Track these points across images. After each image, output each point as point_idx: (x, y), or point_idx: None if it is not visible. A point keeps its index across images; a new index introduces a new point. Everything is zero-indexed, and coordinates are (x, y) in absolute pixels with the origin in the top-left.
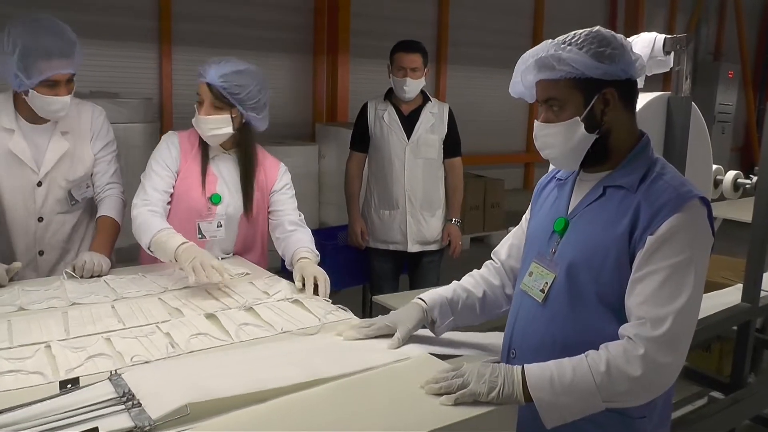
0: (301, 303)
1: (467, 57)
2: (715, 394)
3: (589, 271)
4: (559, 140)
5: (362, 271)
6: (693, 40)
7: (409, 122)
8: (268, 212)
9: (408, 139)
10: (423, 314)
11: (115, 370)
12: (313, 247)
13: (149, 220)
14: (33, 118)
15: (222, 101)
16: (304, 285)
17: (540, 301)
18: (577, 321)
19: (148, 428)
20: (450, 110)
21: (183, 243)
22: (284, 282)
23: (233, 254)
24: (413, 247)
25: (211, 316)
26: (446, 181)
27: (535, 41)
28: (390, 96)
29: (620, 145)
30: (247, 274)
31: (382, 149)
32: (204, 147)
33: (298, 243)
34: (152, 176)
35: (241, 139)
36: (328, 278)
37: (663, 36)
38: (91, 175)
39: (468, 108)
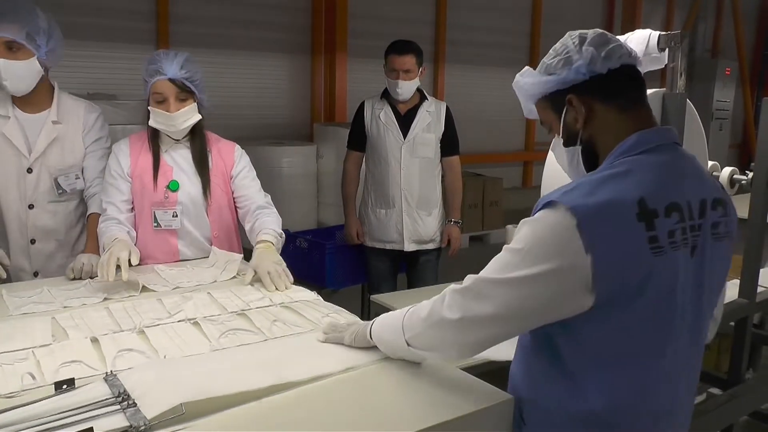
0: (293, 310)
1: (465, 56)
2: (714, 390)
3: None
4: (561, 162)
5: (361, 270)
6: (687, 36)
7: (405, 121)
8: (234, 198)
9: (404, 138)
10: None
11: (111, 371)
12: (277, 227)
13: (103, 230)
14: (27, 107)
15: (185, 92)
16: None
17: None
18: None
19: (143, 428)
20: (447, 109)
21: (115, 239)
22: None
23: (212, 244)
24: (410, 246)
25: (196, 324)
26: (444, 181)
27: (533, 40)
28: (387, 95)
29: (608, 147)
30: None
31: (379, 148)
32: (154, 140)
33: (261, 227)
34: (107, 190)
35: (196, 126)
36: (283, 269)
37: (657, 33)
38: (82, 169)
39: (466, 107)
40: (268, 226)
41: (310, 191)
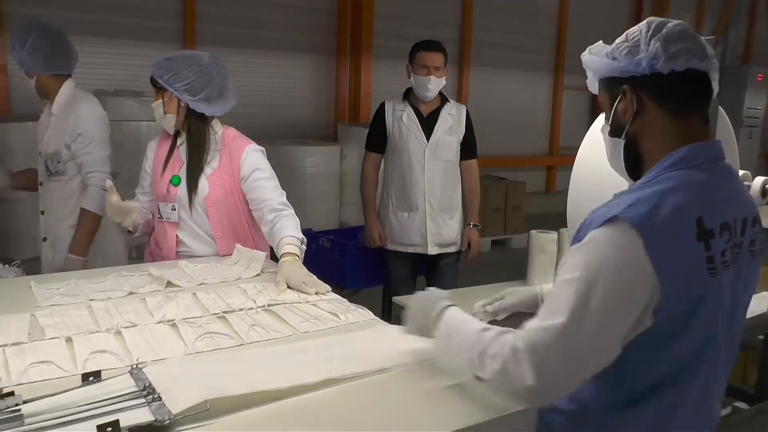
0: (275, 314)
1: (491, 59)
2: (739, 404)
3: None
4: (606, 149)
5: (382, 271)
6: (721, 42)
7: (428, 123)
8: (248, 201)
9: (427, 140)
10: (536, 297)
11: (136, 364)
12: (297, 232)
13: None
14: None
15: (155, 86)
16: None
17: None
18: None
19: (167, 422)
20: (467, 112)
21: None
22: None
23: (215, 240)
24: (432, 250)
25: (174, 326)
26: (463, 184)
27: (559, 44)
28: (408, 96)
29: (652, 152)
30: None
31: (401, 151)
32: (175, 134)
33: (281, 233)
34: (140, 180)
35: (187, 123)
36: (315, 280)
37: None
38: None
39: (491, 109)
40: (287, 233)
41: (333, 191)
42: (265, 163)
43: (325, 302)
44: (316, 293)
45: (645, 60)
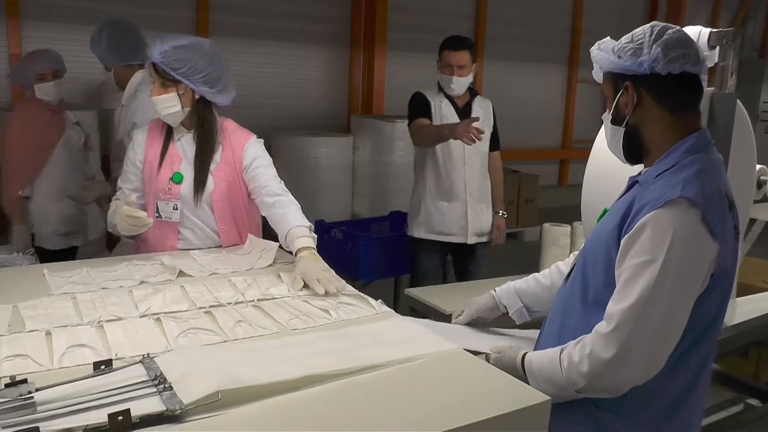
0: (263, 310)
1: (504, 51)
2: (752, 401)
3: (592, 264)
4: (606, 133)
5: (394, 263)
6: (740, 34)
7: (464, 115)
8: (248, 191)
9: None
10: (492, 301)
11: (148, 353)
12: (304, 220)
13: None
14: None
15: (167, 79)
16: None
17: (564, 280)
18: (583, 312)
19: (179, 412)
20: (492, 105)
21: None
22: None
23: (219, 234)
24: (471, 239)
25: (158, 320)
26: (489, 174)
27: (574, 36)
28: (441, 89)
29: (656, 141)
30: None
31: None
32: (169, 128)
33: (289, 223)
34: (123, 175)
35: (198, 116)
36: (332, 275)
37: (708, 30)
38: None
39: (504, 102)
40: (296, 223)
41: (345, 182)
42: (264, 153)
43: (318, 299)
44: (326, 293)
45: (647, 62)
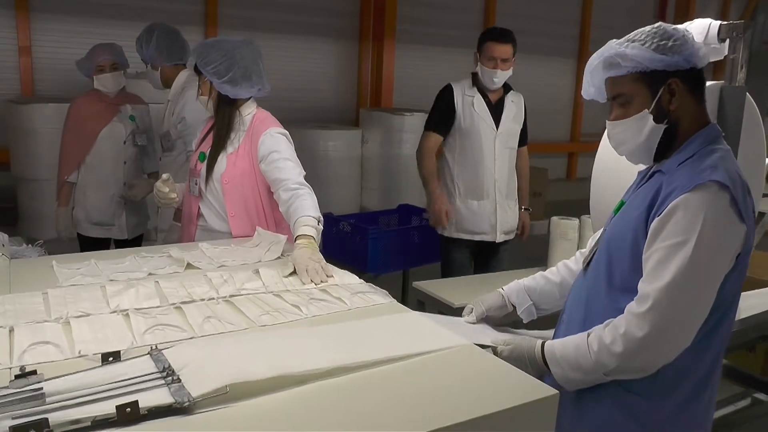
0: (234, 305)
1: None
2: (760, 395)
3: (618, 251)
4: (630, 135)
5: (402, 256)
6: (751, 27)
7: (496, 111)
8: (269, 184)
9: (497, 128)
10: (501, 299)
11: (156, 345)
12: (314, 211)
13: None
14: None
15: (196, 72)
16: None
17: (582, 270)
18: (609, 298)
19: (187, 404)
20: (524, 99)
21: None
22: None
23: (228, 218)
24: (500, 237)
25: (126, 316)
26: (517, 170)
27: (583, 30)
28: (476, 82)
29: (686, 134)
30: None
31: (471, 137)
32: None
33: (297, 213)
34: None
35: (216, 104)
36: (322, 266)
37: (718, 22)
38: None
39: None
40: (303, 213)
41: (354, 175)
42: (284, 146)
43: (292, 294)
44: (312, 282)
45: (693, 56)
